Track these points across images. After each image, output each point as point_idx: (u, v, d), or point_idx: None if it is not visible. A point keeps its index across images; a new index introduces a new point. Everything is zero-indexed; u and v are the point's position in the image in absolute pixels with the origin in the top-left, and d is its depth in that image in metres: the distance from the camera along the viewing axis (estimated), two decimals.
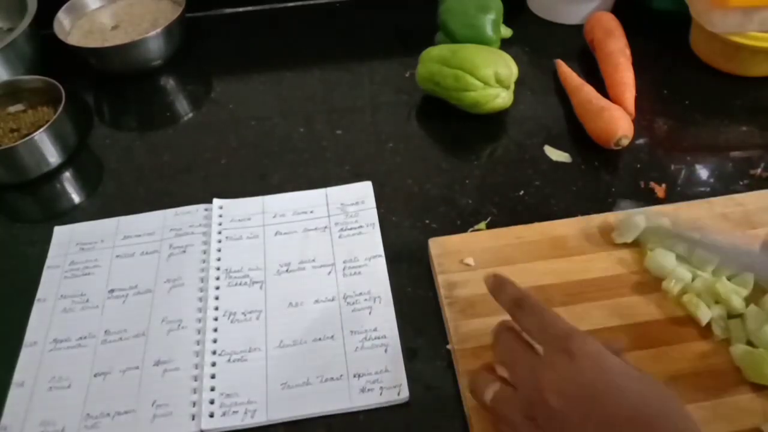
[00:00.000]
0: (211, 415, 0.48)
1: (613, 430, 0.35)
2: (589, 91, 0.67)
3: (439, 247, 0.55)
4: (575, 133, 0.67)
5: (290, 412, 0.48)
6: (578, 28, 0.78)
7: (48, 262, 0.59)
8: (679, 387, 0.46)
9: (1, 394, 0.50)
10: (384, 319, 0.53)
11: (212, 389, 0.49)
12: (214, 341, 0.52)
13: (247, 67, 0.79)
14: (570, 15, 0.80)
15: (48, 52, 0.78)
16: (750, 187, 0.60)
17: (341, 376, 0.49)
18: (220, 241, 0.59)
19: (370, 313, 0.53)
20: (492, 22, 0.71)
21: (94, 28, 0.80)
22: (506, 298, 0.44)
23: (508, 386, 0.40)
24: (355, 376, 0.49)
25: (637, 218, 0.53)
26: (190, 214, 0.62)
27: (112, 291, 0.56)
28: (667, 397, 0.36)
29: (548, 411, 0.36)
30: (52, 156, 0.66)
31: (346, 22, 0.86)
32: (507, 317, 0.44)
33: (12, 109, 0.69)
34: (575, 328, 0.40)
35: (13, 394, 0.50)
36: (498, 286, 0.45)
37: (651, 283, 0.52)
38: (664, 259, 0.51)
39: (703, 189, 0.61)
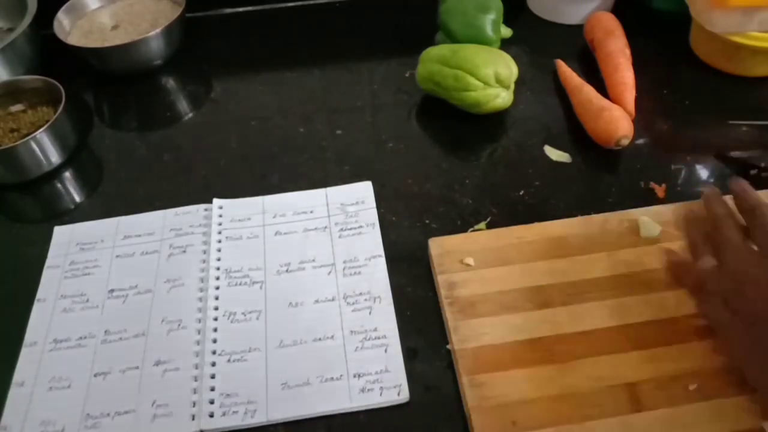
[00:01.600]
0: (211, 415, 0.48)
1: None
2: (589, 91, 0.67)
3: (439, 247, 0.55)
4: (575, 133, 0.67)
5: (290, 412, 0.48)
6: (578, 28, 0.78)
7: (48, 262, 0.59)
8: (679, 387, 0.46)
9: (1, 394, 0.50)
10: (384, 319, 0.53)
11: (212, 389, 0.49)
12: (214, 341, 0.52)
13: (247, 67, 0.79)
14: (570, 15, 0.80)
15: (48, 52, 0.78)
16: None
17: (341, 376, 0.49)
18: (220, 241, 0.59)
19: (370, 313, 0.53)
20: (492, 22, 0.70)
21: (94, 28, 0.80)
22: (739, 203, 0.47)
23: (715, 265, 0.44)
24: (355, 376, 0.49)
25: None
26: (190, 214, 0.62)
27: (112, 291, 0.56)
28: None
29: (746, 306, 0.40)
30: (52, 156, 0.66)
31: (346, 22, 0.86)
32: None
33: (12, 109, 0.69)
34: None
35: (13, 394, 0.50)
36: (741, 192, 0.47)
37: (651, 283, 0.52)
38: None
39: (703, 189, 0.61)
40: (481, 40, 0.70)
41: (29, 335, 0.54)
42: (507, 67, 0.66)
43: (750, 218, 0.45)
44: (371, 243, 0.58)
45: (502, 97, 0.66)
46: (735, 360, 0.44)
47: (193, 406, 0.49)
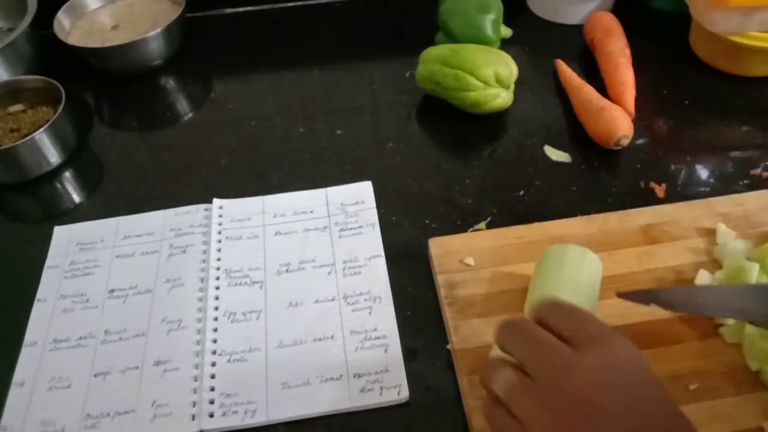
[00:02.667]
0: (211, 415, 0.48)
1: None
2: (589, 91, 0.67)
3: (439, 247, 0.55)
4: (575, 133, 0.67)
5: (290, 412, 0.48)
6: (578, 28, 0.78)
7: (48, 262, 0.59)
8: (679, 387, 0.46)
9: (1, 394, 0.50)
10: (384, 319, 0.53)
11: (212, 389, 0.49)
12: (214, 341, 0.52)
13: (247, 67, 0.79)
14: (570, 15, 0.80)
15: (48, 52, 0.78)
16: (750, 187, 0.60)
17: (341, 376, 0.49)
18: (220, 241, 0.59)
19: (370, 313, 0.53)
20: (492, 22, 0.71)
21: (94, 28, 0.80)
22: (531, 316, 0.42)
23: (525, 377, 0.38)
24: (355, 376, 0.49)
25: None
26: (190, 214, 0.62)
27: (112, 291, 0.56)
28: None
29: (574, 400, 0.35)
30: (52, 156, 0.66)
31: (346, 22, 0.86)
32: (505, 315, 0.44)
33: (12, 109, 0.69)
34: (607, 326, 0.39)
35: (13, 394, 0.50)
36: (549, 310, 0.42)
37: (651, 283, 0.52)
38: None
39: (703, 189, 0.61)
40: (481, 40, 0.70)
41: (29, 335, 0.54)
42: (507, 67, 0.66)
43: (546, 313, 0.40)
44: (371, 243, 0.58)
45: (502, 97, 0.66)
46: None
47: (193, 406, 0.49)
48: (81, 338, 0.53)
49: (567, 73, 0.71)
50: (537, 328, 0.40)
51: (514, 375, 0.39)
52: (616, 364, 0.37)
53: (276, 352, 0.51)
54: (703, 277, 0.51)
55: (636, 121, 0.65)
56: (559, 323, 0.39)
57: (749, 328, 0.47)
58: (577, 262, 0.48)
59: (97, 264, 0.59)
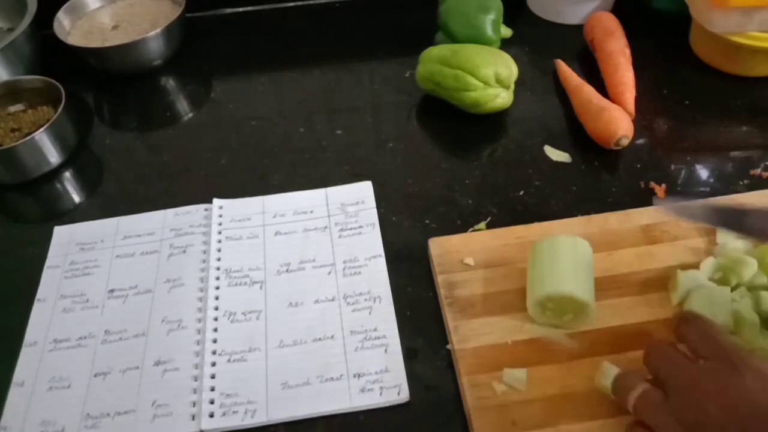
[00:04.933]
0: (211, 415, 0.48)
1: None
2: (589, 91, 0.67)
3: (439, 247, 0.55)
4: (575, 133, 0.67)
5: (290, 412, 0.48)
6: (578, 28, 0.78)
7: (48, 262, 0.59)
8: None
9: (1, 394, 0.50)
10: (384, 319, 0.53)
11: (212, 389, 0.49)
12: (214, 341, 0.52)
13: (247, 67, 0.79)
14: (570, 15, 0.80)
15: (48, 52, 0.78)
16: (750, 187, 0.60)
17: (341, 376, 0.49)
18: (220, 241, 0.59)
19: (370, 313, 0.53)
20: (492, 22, 0.71)
21: (94, 28, 0.80)
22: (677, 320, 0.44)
23: (657, 390, 0.40)
24: (355, 376, 0.49)
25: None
26: (190, 214, 0.62)
27: (112, 291, 0.56)
28: None
29: (705, 419, 0.37)
30: (52, 156, 0.66)
31: (346, 22, 0.86)
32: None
33: (12, 109, 0.69)
34: (739, 344, 0.40)
35: (13, 394, 0.50)
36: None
37: (651, 283, 0.52)
38: None
39: (703, 189, 0.61)
40: (481, 40, 0.70)
41: (29, 335, 0.54)
42: (507, 67, 0.66)
43: (683, 326, 0.43)
44: (371, 243, 0.58)
45: (502, 97, 0.66)
46: None
47: (193, 406, 0.49)
48: (81, 338, 0.53)
49: (567, 73, 0.71)
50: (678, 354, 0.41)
51: (646, 385, 0.41)
52: (744, 395, 0.37)
53: (276, 352, 0.51)
54: (708, 264, 0.51)
55: (636, 121, 0.65)
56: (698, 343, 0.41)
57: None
58: (571, 251, 0.49)
59: (97, 264, 0.59)
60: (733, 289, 0.49)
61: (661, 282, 0.52)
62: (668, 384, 0.40)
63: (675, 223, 0.56)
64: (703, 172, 0.63)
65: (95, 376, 0.51)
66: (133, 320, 0.54)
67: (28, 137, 0.63)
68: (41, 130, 0.64)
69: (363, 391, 0.48)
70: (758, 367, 0.37)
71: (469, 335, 0.50)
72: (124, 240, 0.60)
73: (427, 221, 0.60)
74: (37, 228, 0.63)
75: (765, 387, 0.37)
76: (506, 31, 0.73)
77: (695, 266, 0.51)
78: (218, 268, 0.57)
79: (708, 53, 0.73)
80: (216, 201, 0.62)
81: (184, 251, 0.59)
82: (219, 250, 0.58)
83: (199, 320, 0.54)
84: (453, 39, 0.71)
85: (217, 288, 0.56)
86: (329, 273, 0.56)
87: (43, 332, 0.54)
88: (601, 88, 0.69)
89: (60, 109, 0.66)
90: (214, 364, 0.51)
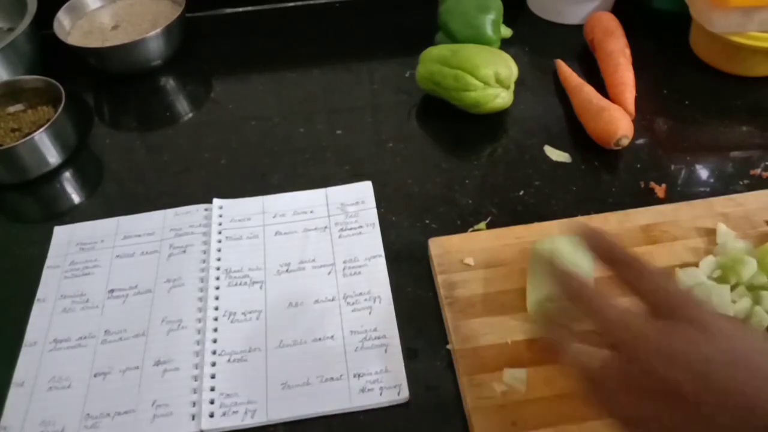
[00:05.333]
0: (211, 415, 0.48)
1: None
2: (589, 91, 0.67)
3: (439, 247, 0.55)
4: (575, 133, 0.67)
5: (290, 412, 0.48)
6: (578, 28, 0.78)
7: (48, 262, 0.59)
8: None
9: (1, 394, 0.50)
10: (384, 319, 0.53)
11: (212, 389, 0.49)
12: (214, 341, 0.52)
13: (247, 67, 0.79)
14: (570, 15, 0.80)
15: (48, 52, 0.78)
16: (750, 187, 0.60)
17: (341, 376, 0.49)
18: (220, 241, 0.59)
19: (370, 313, 0.53)
20: (492, 22, 0.71)
21: (94, 28, 0.80)
22: (604, 252, 0.39)
23: (613, 354, 0.35)
24: (355, 376, 0.49)
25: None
26: (190, 214, 0.62)
27: (112, 291, 0.56)
28: None
29: (669, 385, 0.32)
30: (52, 156, 0.66)
31: (346, 22, 0.86)
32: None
33: (12, 109, 0.69)
34: (692, 293, 0.36)
35: (13, 394, 0.50)
36: (592, 238, 0.39)
37: None
38: None
39: (703, 189, 0.61)
40: (481, 40, 0.70)
41: (29, 335, 0.54)
42: (507, 67, 0.66)
43: (624, 270, 0.37)
44: (371, 243, 0.58)
45: (502, 97, 0.66)
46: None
47: (193, 406, 0.49)
48: (81, 338, 0.53)
49: (567, 73, 0.71)
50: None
51: (603, 352, 0.35)
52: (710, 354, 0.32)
53: (276, 352, 0.51)
54: (708, 263, 0.51)
55: (636, 121, 0.65)
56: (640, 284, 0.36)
57: None
58: (571, 251, 0.48)
59: (97, 264, 0.58)
60: (732, 289, 0.49)
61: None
62: (625, 345, 0.35)
63: (675, 224, 0.56)
64: (703, 172, 0.63)
65: (95, 376, 0.51)
66: (133, 320, 0.54)
67: (28, 137, 0.63)
68: (41, 130, 0.64)
69: (363, 391, 0.48)
70: (714, 318, 0.33)
71: (469, 335, 0.50)
72: (124, 240, 0.60)
73: (427, 221, 0.60)
74: (37, 228, 0.63)
75: (726, 342, 0.33)
76: (506, 31, 0.73)
77: (695, 266, 0.52)
78: (218, 268, 0.57)
79: (708, 53, 0.73)
80: (216, 201, 0.62)
81: (184, 251, 0.59)
82: (219, 250, 0.58)
83: (199, 320, 0.54)
84: (453, 39, 0.71)
85: (217, 288, 0.56)
86: (329, 273, 0.56)
87: (43, 332, 0.54)
88: (601, 88, 0.69)
89: (60, 109, 0.66)
90: (214, 364, 0.51)
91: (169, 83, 0.79)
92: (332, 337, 0.52)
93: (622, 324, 0.35)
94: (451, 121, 0.69)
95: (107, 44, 0.75)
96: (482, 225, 0.59)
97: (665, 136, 0.67)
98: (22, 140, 0.63)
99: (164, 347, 0.52)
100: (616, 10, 0.78)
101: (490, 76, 0.65)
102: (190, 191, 0.64)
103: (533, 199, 0.61)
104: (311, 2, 0.88)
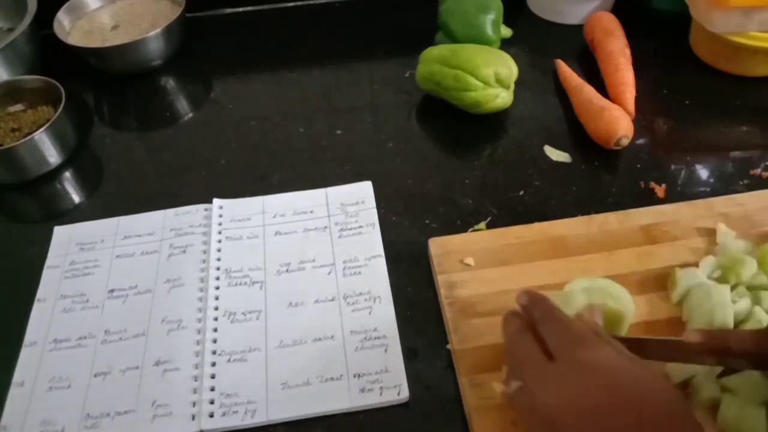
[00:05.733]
0: (211, 415, 0.48)
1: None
2: (589, 91, 0.67)
3: (439, 247, 0.55)
4: (575, 133, 0.67)
5: (290, 412, 0.48)
6: (578, 28, 0.78)
7: (48, 262, 0.59)
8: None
9: (1, 394, 0.50)
10: (384, 319, 0.53)
11: (212, 389, 0.49)
12: (214, 341, 0.52)
13: (247, 67, 0.79)
14: (570, 15, 0.80)
15: (48, 52, 0.78)
16: (750, 187, 0.60)
17: (341, 376, 0.49)
18: (220, 241, 0.59)
19: (370, 313, 0.53)
20: (492, 22, 0.71)
21: (94, 28, 0.80)
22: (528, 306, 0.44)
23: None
24: (355, 376, 0.49)
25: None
26: (190, 214, 0.62)
27: (112, 291, 0.56)
28: (667, 395, 0.36)
29: (547, 419, 0.37)
30: (52, 156, 0.66)
31: (346, 22, 0.86)
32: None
33: (12, 109, 0.69)
34: (591, 332, 0.40)
35: (13, 394, 0.50)
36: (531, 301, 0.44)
37: (651, 283, 0.52)
38: None
39: (703, 189, 0.61)
40: (481, 40, 0.70)
41: (29, 335, 0.54)
42: (507, 67, 0.66)
43: (537, 316, 0.43)
44: (371, 243, 0.58)
45: (502, 97, 0.66)
46: None
47: (193, 406, 0.49)
48: (81, 338, 0.53)
49: (567, 73, 0.71)
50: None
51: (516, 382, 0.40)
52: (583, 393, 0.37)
53: (276, 352, 0.51)
54: (708, 263, 0.51)
55: (636, 121, 0.65)
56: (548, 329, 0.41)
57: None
58: (610, 294, 0.49)
59: (97, 264, 0.58)
60: (732, 289, 0.49)
61: (661, 282, 0.52)
62: (522, 376, 0.40)
63: (675, 224, 0.56)
64: (703, 172, 0.63)
65: (95, 376, 0.51)
66: (133, 320, 0.54)
67: (28, 137, 0.63)
68: (41, 130, 0.64)
69: (363, 391, 0.48)
70: (600, 354, 0.38)
71: (469, 335, 0.50)
72: (124, 240, 0.60)
73: (427, 221, 0.60)
74: (37, 228, 0.63)
75: (600, 379, 0.37)
76: (506, 31, 0.73)
77: (695, 266, 0.52)
78: (218, 268, 0.57)
79: (708, 53, 0.73)
80: (216, 201, 0.62)
81: (184, 251, 0.59)
82: (219, 250, 0.58)
83: (199, 320, 0.54)
84: (453, 39, 0.71)
85: (217, 288, 0.56)
86: (329, 273, 0.56)
87: (43, 332, 0.54)
88: (601, 88, 0.69)
89: (60, 109, 0.66)
90: (214, 364, 0.51)
91: (169, 83, 0.79)
92: (332, 337, 0.52)
93: (528, 361, 0.40)
94: (451, 121, 0.69)
95: (107, 44, 0.75)
96: (482, 225, 0.59)
97: (665, 136, 0.67)
98: (22, 140, 0.63)
99: (164, 347, 0.52)
100: (616, 10, 0.78)
101: (490, 76, 0.65)
102: (190, 191, 0.64)
103: (533, 199, 0.61)
104: (311, 2, 0.88)
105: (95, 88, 0.78)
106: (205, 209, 0.62)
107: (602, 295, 0.48)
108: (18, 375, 0.51)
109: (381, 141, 0.68)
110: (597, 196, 0.61)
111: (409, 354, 0.51)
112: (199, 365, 0.51)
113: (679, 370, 0.45)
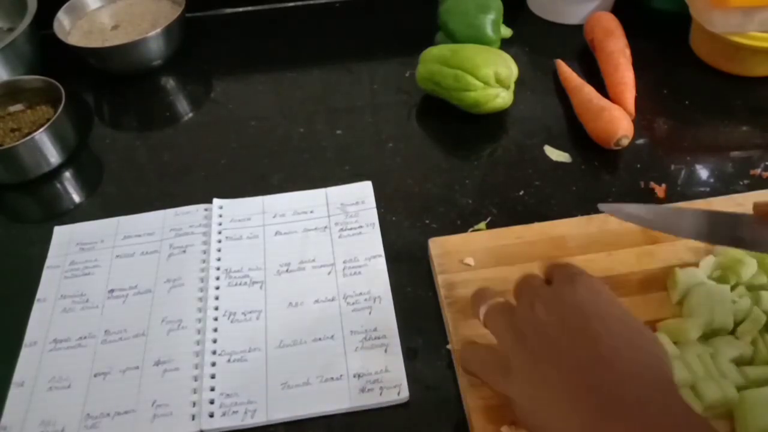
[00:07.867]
0: (211, 415, 0.48)
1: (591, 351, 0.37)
2: (589, 91, 0.67)
3: (439, 247, 0.55)
4: (575, 133, 0.67)
5: (290, 412, 0.48)
6: (578, 28, 0.78)
7: (48, 262, 0.59)
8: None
9: (1, 394, 0.50)
10: (384, 319, 0.53)
11: (212, 389, 0.49)
12: (214, 341, 0.52)
13: (247, 67, 0.79)
14: (570, 15, 0.80)
15: (48, 52, 0.78)
16: (750, 187, 0.60)
17: (341, 376, 0.49)
18: (220, 241, 0.59)
19: (370, 313, 0.53)
20: (492, 22, 0.71)
21: (94, 28, 0.80)
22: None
23: (508, 304, 0.44)
24: (355, 376, 0.49)
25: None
26: (190, 214, 0.62)
27: (112, 291, 0.56)
28: (645, 338, 0.39)
29: (534, 321, 0.40)
30: (52, 156, 0.66)
31: (346, 22, 0.86)
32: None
33: (12, 109, 0.69)
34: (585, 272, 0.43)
35: (13, 394, 0.50)
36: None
37: (651, 283, 0.52)
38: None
39: (703, 189, 0.61)
40: (481, 40, 0.70)
41: (29, 335, 0.54)
42: (507, 67, 0.66)
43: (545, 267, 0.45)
44: (371, 243, 0.58)
45: (502, 97, 0.66)
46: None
47: (193, 406, 0.49)
48: (81, 338, 0.53)
49: (567, 73, 0.71)
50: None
51: (498, 299, 0.44)
52: (569, 298, 0.41)
53: (276, 352, 0.51)
54: (708, 263, 0.51)
55: (636, 121, 0.65)
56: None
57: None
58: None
59: (97, 264, 0.59)
60: (732, 289, 0.49)
61: (661, 282, 0.52)
62: (516, 294, 0.44)
63: None
64: (703, 172, 0.63)
65: (95, 376, 0.51)
66: (133, 320, 0.54)
67: (28, 137, 0.63)
68: (41, 130, 0.64)
69: (363, 391, 0.48)
70: (591, 282, 0.42)
71: (469, 335, 0.49)
72: (124, 240, 0.60)
73: (427, 221, 0.60)
74: (37, 228, 0.63)
75: (589, 293, 0.41)
76: (506, 31, 0.73)
77: (695, 266, 0.52)
78: (218, 268, 0.57)
79: (708, 53, 0.73)
80: (216, 201, 0.62)
81: (184, 251, 0.59)
82: (219, 250, 0.58)
83: (199, 320, 0.54)
84: (453, 39, 0.71)
85: (217, 288, 0.56)
86: (329, 273, 0.56)
87: (43, 332, 0.54)
88: (601, 88, 0.69)
89: (60, 109, 0.66)
90: (214, 364, 0.51)
91: (169, 83, 0.79)
92: (332, 337, 0.52)
93: (524, 283, 0.44)
94: (451, 121, 0.69)
95: (107, 44, 0.75)
96: (482, 225, 0.59)
97: (665, 136, 0.67)
98: (22, 140, 0.63)
99: (164, 347, 0.52)
100: (616, 10, 0.78)
101: (490, 76, 0.65)
102: (190, 191, 0.64)
103: (533, 199, 0.61)
104: (311, 2, 0.88)
105: (95, 88, 0.78)
106: (205, 209, 0.62)
107: None
108: (18, 375, 0.51)
109: (381, 141, 0.68)
110: (597, 196, 0.61)
111: (409, 354, 0.51)
112: (199, 365, 0.51)
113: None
